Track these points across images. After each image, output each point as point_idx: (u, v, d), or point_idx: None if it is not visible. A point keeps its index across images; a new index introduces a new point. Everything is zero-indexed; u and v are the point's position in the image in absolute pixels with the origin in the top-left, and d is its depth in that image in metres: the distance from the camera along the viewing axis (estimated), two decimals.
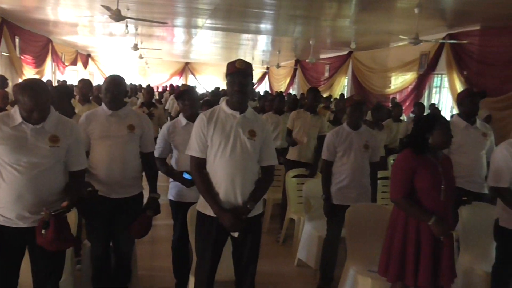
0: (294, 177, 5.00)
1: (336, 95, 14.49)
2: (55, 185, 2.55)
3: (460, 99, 4.16)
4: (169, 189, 3.67)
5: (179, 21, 11.35)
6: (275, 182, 5.64)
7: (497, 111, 7.74)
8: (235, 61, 2.75)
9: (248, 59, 13.82)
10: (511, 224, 3.20)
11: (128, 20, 8.50)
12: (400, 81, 11.95)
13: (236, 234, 2.74)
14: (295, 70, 20.65)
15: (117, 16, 6.77)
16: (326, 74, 17.08)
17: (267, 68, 24.77)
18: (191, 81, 24.64)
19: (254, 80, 20.82)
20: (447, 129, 2.91)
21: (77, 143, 2.67)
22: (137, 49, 11.96)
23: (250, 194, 2.74)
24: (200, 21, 10.79)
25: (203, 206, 2.81)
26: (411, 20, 7.42)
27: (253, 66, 11.67)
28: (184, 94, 3.67)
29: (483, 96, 4.09)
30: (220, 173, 2.71)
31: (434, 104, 9.86)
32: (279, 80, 22.28)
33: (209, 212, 2.74)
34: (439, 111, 9.05)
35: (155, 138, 3.58)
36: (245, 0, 8.18)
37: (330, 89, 16.00)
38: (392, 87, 12.26)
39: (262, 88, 23.20)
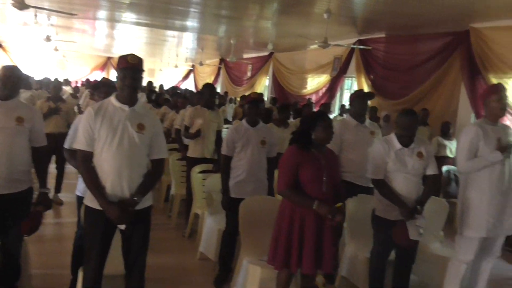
0: (200, 172, 5.08)
1: None
2: None
3: (351, 100, 4.48)
4: (78, 184, 3.59)
5: (96, 13, 11.00)
6: (183, 178, 5.73)
7: (396, 112, 8.35)
8: (127, 55, 2.78)
9: (172, 56, 13.87)
10: (384, 213, 3.53)
11: (38, 10, 8.14)
12: (316, 83, 12.47)
13: (123, 227, 2.78)
14: (219, 68, 20.78)
15: (20, 4, 6.41)
16: (249, 74, 17.38)
17: (193, 66, 24.68)
18: (113, 76, 23.87)
19: (180, 77, 20.68)
20: (328, 126, 3.12)
21: None
22: (50, 40, 11.40)
23: (137, 187, 2.79)
24: (117, 15, 10.55)
25: (90, 199, 2.81)
26: (323, 25, 7.81)
27: (178, 64, 11.72)
28: (101, 86, 3.63)
29: (370, 97, 4.42)
30: (106, 166, 2.74)
31: (344, 105, 10.40)
32: (204, 78, 22.27)
33: (96, 205, 2.76)
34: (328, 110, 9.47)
35: (64, 133, 3.48)
36: None
37: (252, 89, 16.28)
38: (308, 88, 12.78)
39: (187, 85, 23.06)
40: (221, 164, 4.18)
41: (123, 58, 2.77)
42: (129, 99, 2.81)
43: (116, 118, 2.76)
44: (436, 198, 4.99)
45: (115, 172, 2.73)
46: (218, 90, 20.22)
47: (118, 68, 2.79)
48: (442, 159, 6.84)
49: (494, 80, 6.91)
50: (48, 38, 11.15)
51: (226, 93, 16.37)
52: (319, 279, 3.96)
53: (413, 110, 3.70)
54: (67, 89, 13.79)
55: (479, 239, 3.50)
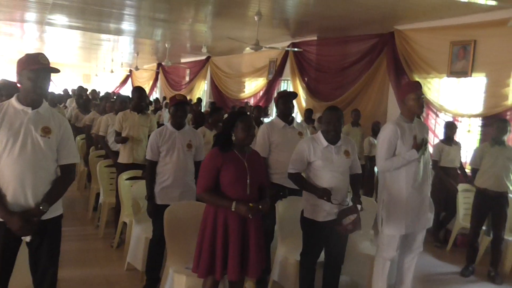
0: (127, 179, 4.87)
1: (195, 99, 14.60)
2: None
3: (275, 102, 4.46)
4: None
5: (23, 15, 10.39)
6: (110, 186, 5.48)
7: None
8: (37, 54, 2.60)
9: (108, 60, 13.38)
10: (311, 214, 3.52)
11: None
12: (253, 86, 12.48)
13: (28, 239, 2.57)
14: (157, 73, 20.38)
15: None
16: (187, 78, 17.14)
17: (130, 71, 24.06)
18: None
19: (117, 83, 19.98)
20: (246, 125, 3.02)
21: None
22: None
23: (44, 195, 2.59)
24: (45, 16, 10.00)
25: None
26: (255, 28, 7.80)
27: (113, 69, 11.28)
28: (1, 88, 3.39)
29: (293, 97, 4.41)
30: (7, 173, 2.51)
31: None
32: (143, 83, 21.76)
33: None
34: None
35: None
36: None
37: (190, 93, 16.07)
38: (246, 91, 12.76)
39: (126, 91, 22.43)
40: (146, 169, 4.02)
41: (32, 58, 2.57)
42: (32, 101, 2.59)
43: (17, 121, 2.55)
44: (365, 197, 5.10)
45: (17, 179, 2.51)
46: (157, 95, 19.86)
47: (27, 69, 2.55)
48: (374, 159, 7.00)
49: (419, 80, 7.18)
50: None
51: (164, 98, 16.05)
52: (249, 285, 3.89)
53: (336, 106, 3.74)
54: None
55: (399, 236, 3.57)
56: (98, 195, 5.89)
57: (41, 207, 2.54)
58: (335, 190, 3.42)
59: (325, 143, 3.50)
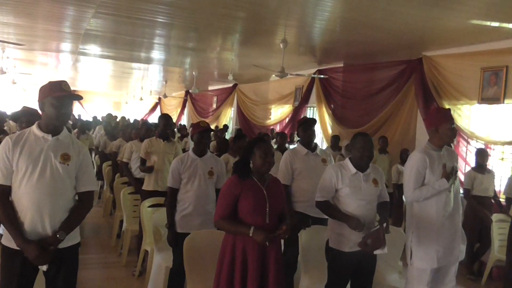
0: (150, 206, 4.84)
1: (221, 126, 14.69)
2: None
3: (296, 130, 4.40)
4: None
5: (57, 45, 10.77)
6: (133, 213, 5.47)
7: None
8: (61, 82, 2.62)
9: (137, 88, 13.58)
10: (337, 245, 3.38)
11: None
12: (279, 113, 12.47)
13: (44, 268, 2.53)
14: (185, 100, 20.69)
15: None
16: (214, 106, 17.32)
17: (159, 98, 24.53)
18: (77, 109, 23.38)
19: (146, 110, 20.36)
20: (264, 152, 2.95)
21: None
22: (4, 73, 11.05)
23: (62, 223, 2.56)
24: (73, 46, 10.34)
25: (8, 239, 2.55)
26: (281, 55, 7.83)
27: (143, 96, 11.42)
28: (21, 115, 3.45)
29: (313, 124, 4.35)
30: (26, 201, 2.50)
31: None
32: (171, 110, 22.15)
33: (14, 245, 2.50)
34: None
35: None
36: (126, 28, 8.02)
37: (217, 120, 16.21)
38: (272, 118, 12.76)
39: (154, 118, 22.83)
40: (166, 196, 3.98)
41: (56, 85, 2.59)
42: (54, 128, 2.60)
43: (37, 148, 2.55)
44: (392, 227, 4.91)
45: (35, 207, 2.49)
46: (185, 122, 20.11)
47: (51, 96, 2.57)
48: (402, 187, 6.80)
49: (449, 107, 7.01)
50: (1, 71, 10.79)
51: (192, 125, 16.24)
52: None
53: (366, 133, 3.65)
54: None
55: (431, 269, 3.38)
56: (122, 222, 5.90)
57: (57, 236, 2.51)
58: (362, 219, 3.28)
59: (353, 170, 3.38)
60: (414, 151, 3.68)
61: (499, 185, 6.08)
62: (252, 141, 3.08)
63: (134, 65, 13.55)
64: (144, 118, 22.36)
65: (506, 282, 4.85)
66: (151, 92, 20.76)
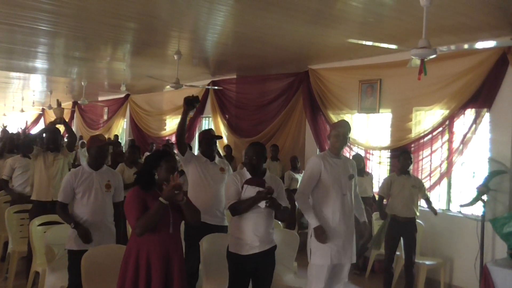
0: (40, 225, 4.57)
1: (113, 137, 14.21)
2: None
3: (199, 140, 4.52)
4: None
5: None
6: (21, 233, 5.12)
7: None
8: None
9: (17, 99, 12.45)
10: (236, 248, 3.54)
11: None
12: (174, 124, 12.39)
13: None
14: (73, 112, 19.59)
15: None
16: (105, 117, 16.66)
17: (42, 110, 22.88)
18: None
19: (28, 122, 18.79)
20: (171, 166, 3.02)
21: None
22: None
23: None
24: None
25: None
26: (175, 66, 7.86)
27: (24, 108, 10.59)
28: None
29: (218, 138, 4.54)
30: None
31: None
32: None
33: None
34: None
35: None
36: (3, 35, 7.40)
37: (108, 132, 15.60)
38: (167, 129, 12.66)
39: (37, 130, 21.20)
40: (57, 212, 3.82)
41: None
42: None
43: None
44: (287, 230, 5.22)
45: None
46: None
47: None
48: (294, 192, 7.20)
49: (333, 116, 7.61)
50: None
51: (81, 137, 15.42)
52: None
53: (258, 142, 3.90)
54: None
55: (328, 266, 3.69)
56: (6, 243, 5.45)
57: None
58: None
59: (249, 176, 3.58)
60: (314, 155, 4.02)
61: (377, 186, 6.71)
62: (159, 154, 3.11)
63: (14, 74, 12.54)
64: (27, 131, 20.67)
65: (385, 274, 5.42)
66: (33, 103, 19.31)
